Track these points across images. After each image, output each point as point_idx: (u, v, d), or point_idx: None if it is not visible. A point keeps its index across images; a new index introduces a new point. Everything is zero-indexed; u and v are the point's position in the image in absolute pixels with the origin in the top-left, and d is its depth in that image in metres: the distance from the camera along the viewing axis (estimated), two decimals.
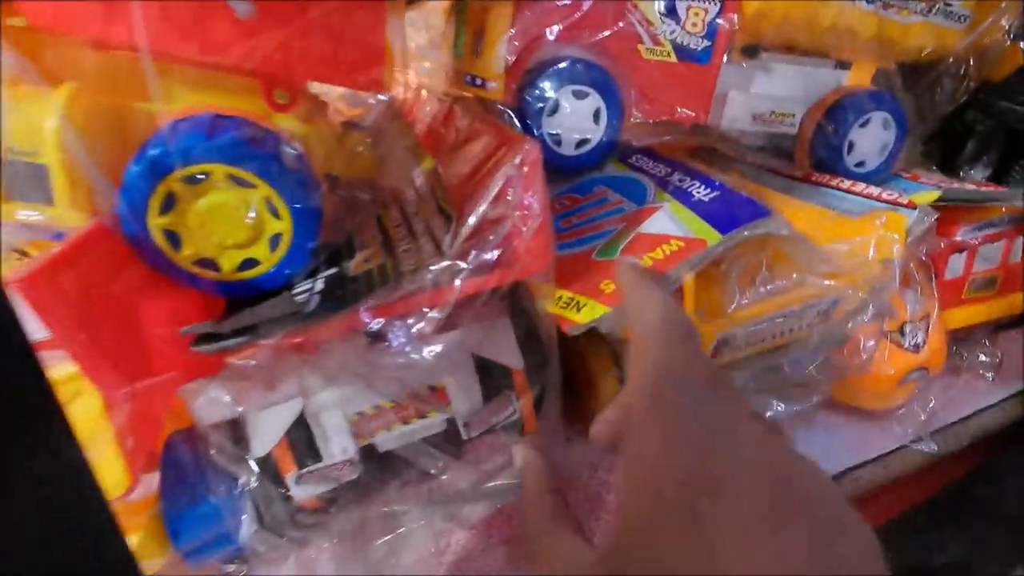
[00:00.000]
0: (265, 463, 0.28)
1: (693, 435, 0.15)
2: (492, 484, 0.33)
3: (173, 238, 0.24)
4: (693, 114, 0.36)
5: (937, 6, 0.37)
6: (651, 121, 0.35)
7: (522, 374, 0.30)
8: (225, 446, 0.28)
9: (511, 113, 0.33)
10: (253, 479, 0.28)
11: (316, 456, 0.29)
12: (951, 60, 0.41)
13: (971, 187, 0.36)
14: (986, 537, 0.30)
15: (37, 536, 0.17)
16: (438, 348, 0.22)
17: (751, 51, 0.38)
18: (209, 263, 0.25)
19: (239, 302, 0.26)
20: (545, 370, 0.29)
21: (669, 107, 0.35)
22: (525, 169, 0.21)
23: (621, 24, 0.33)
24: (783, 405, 0.31)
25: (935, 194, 0.31)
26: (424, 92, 0.44)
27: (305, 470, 0.29)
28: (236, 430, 0.28)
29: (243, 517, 0.29)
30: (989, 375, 0.38)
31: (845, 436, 0.35)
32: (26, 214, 0.22)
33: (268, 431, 0.28)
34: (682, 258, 0.24)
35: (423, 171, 0.32)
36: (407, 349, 0.23)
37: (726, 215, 0.25)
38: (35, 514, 0.16)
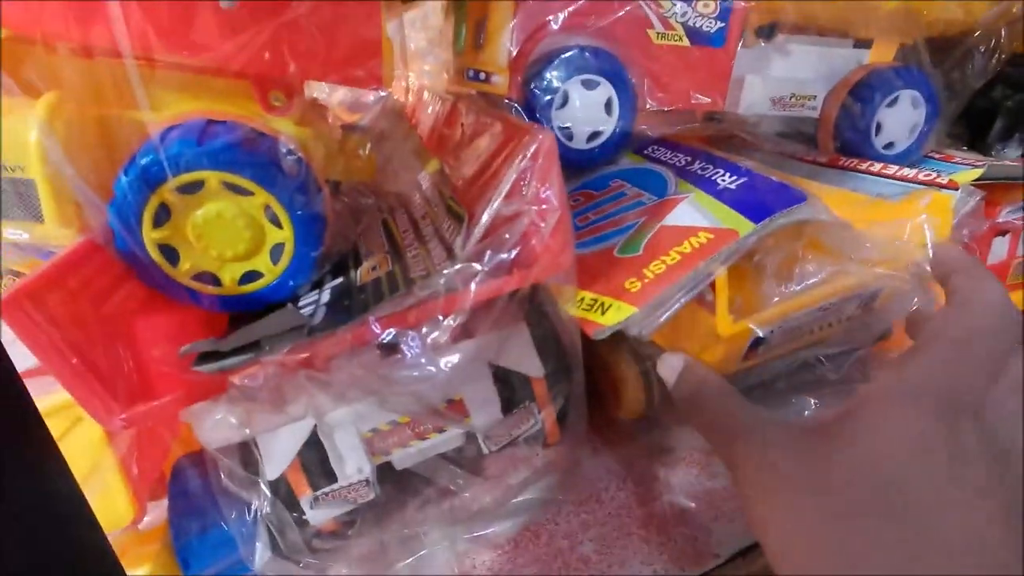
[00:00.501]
0: (278, 487, 0.27)
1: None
2: (517, 500, 0.31)
3: (169, 253, 0.22)
4: (709, 100, 0.34)
5: None
6: (666, 109, 0.34)
7: (543, 383, 0.28)
8: (235, 470, 0.26)
9: (518, 108, 0.32)
10: (266, 504, 0.26)
11: (331, 477, 0.27)
12: (979, 33, 0.39)
13: (1014, 164, 0.33)
14: None
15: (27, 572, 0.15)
16: (455, 359, 0.21)
17: (767, 31, 0.36)
18: (209, 277, 0.23)
19: (242, 318, 0.24)
20: (569, 378, 0.27)
21: (684, 94, 0.33)
22: (539, 160, 0.19)
23: (629, 8, 0.31)
24: (820, 404, 0.29)
25: (977, 172, 0.29)
26: (426, 94, 0.43)
27: (320, 492, 0.27)
28: (246, 453, 0.27)
29: (257, 544, 0.28)
30: None
31: None
32: (16, 233, 0.21)
33: (280, 453, 0.27)
34: (713, 251, 0.22)
35: (428, 174, 0.31)
36: (422, 361, 0.21)
37: (757, 202, 0.24)
38: (26, 552, 0.15)
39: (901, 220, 0.26)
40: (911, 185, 0.30)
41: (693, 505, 0.30)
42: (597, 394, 0.33)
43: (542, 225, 0.19)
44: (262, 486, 0.26)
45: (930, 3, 0.35)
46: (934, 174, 0.30)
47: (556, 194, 0.19)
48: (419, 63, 0.44)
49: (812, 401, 0.30)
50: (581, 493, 0.31)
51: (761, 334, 0.23)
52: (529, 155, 0.19)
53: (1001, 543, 0.14)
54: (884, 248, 0.24)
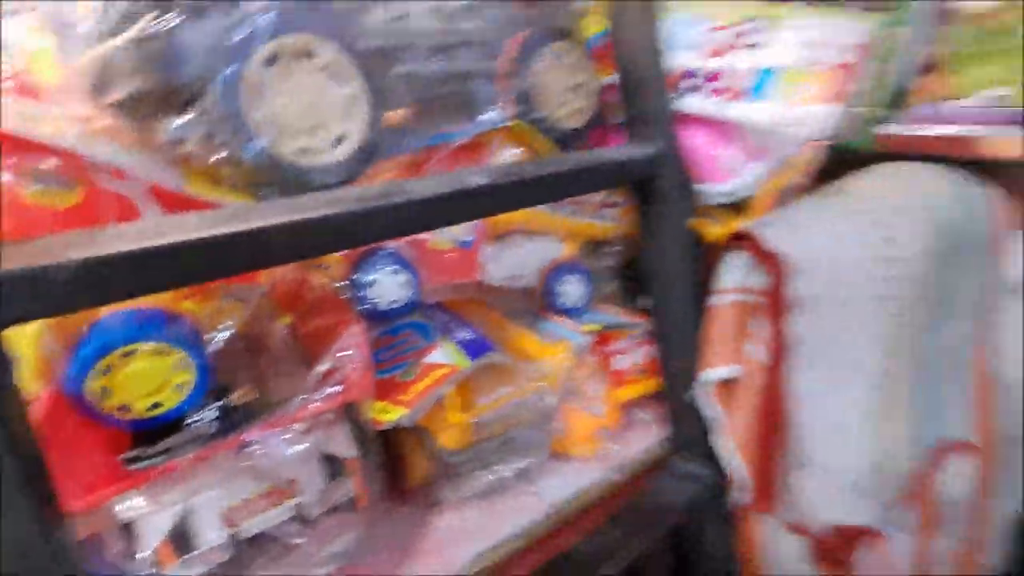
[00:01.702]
0: (153, 556, 0.38)
1: None
2: (333, 550, 0.45)
3: (104, 392, 0.35)
4: (467, 279, 0.57)
5: (597, 213, 0.67)
6: (441, 284, 0.56)
7: (355, 462, 0.45)
8: (119, 544, 0.37)
9: (349, 281, 0.50)
10: (146, 569, 0.37)
11: (193, 545, 0.39)
12: (613, 240, 0.71)
13: (621, 318, 0.63)
14: None
15: None
16: (299, 449, 0.37)
17: (500, 237, 0.62)
18: (126, 408, 0.36)
19: (142, 433, 0.37)
20: (369, 457, 0.44)
21: (450, 275, 0.56)
22: (354, 339, 0.38)
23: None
24: (523, 461, 0.51)
25: (599, 326, 0.57)
26: None
27: (185, 557, 0.39)
28: (127, 529, 0.37)
29: None
30: (653, 425, 0.64)
31: (567, 471, 0.55)
32: None
33: (156, 528, 0.38)
34: (448, 377, 0.43)
35: (283, 324, 0.47)
36: (275, 454, 0.37)
37: (473, 349, 0.45)
38: None
39: (553, 355, 0.51)
40: (568, 331, 0.56)
41: (445, 540, 0.48)
42: (395, 470, 0.50)
43: (354, 373, 0.38)
44: (140, 557, 0.37)
45: (580, 227, 0.65)
46: (582, 324, 0.56)
47: (362, 358, 0.38)
48: None
49: (517, 459, 0.52)
50: (380, 540, 0.47)
51: (477, 420, 0.44)
52: (349, 335, 0.38)
53: None
54: (536, 373, 0.48)
